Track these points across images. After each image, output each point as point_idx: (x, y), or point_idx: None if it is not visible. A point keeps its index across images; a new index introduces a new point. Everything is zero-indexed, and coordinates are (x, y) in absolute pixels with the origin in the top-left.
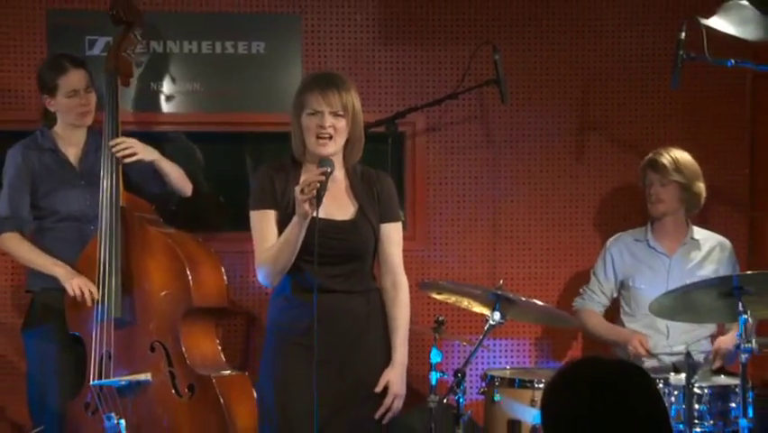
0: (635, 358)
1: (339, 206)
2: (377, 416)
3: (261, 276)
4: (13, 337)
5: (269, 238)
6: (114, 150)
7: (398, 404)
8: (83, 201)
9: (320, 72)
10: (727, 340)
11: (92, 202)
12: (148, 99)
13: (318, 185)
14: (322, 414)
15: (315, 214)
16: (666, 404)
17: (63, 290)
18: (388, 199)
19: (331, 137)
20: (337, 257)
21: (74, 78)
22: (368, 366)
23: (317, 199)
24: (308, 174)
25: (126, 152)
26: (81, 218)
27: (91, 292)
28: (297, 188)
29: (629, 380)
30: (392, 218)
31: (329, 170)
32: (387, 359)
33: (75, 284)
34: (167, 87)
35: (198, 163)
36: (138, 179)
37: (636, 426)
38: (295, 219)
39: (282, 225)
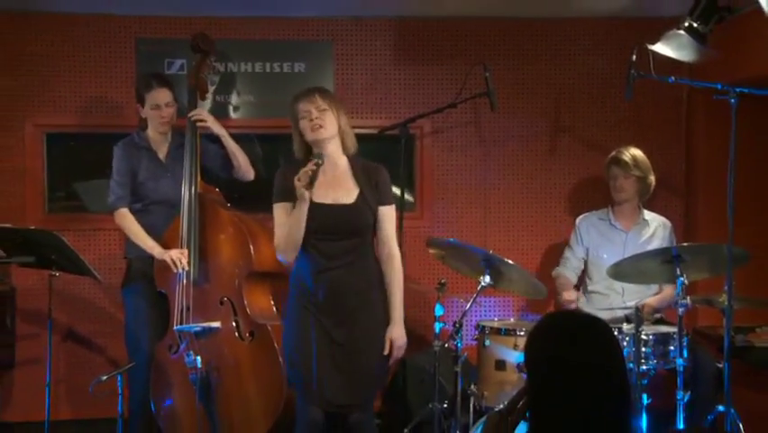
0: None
1: (345, 192)
2: (390, 364)
3: (278, 253)
4: (112, 294)
5: (284, 225)
6: (192, 117)
7: (402, 352)
8: (169, 189)
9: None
10: (652, 300)
11: (176, 190)
12: (217, 107)
13: (311, 173)
14: (331, 364)
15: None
16: None
17: (152, 257)
18: (384, 187)
19: (321, 126)
20: (342, 233)
21: (157, 95)
22: (371, 322)
23: (310, 184)
24: (304, 167)
25: (199, 117)
26: (166, 203)
27: (182, 261)
28: (296, 178)
29: (588, 329)
30: (387, 202)
31: (320, 162)
32: (386, 314)
33: (172, 255)
34: (231, 98)
35: (257, 155)
36: (212, 165)
37: (591, 363)
38: (296, 202)
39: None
